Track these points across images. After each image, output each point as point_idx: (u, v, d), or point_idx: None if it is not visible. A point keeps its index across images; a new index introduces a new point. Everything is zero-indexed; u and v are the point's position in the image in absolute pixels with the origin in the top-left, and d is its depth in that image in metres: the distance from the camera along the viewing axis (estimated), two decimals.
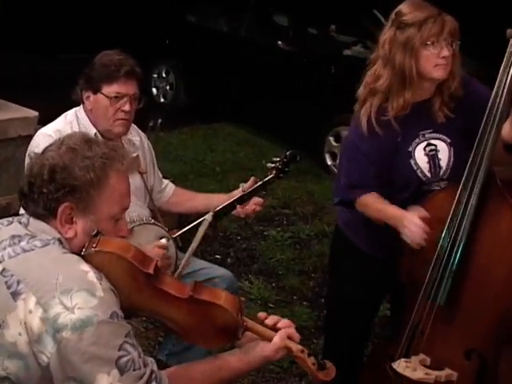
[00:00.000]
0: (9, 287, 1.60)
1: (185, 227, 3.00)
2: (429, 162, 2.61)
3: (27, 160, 2.69)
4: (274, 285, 4.47)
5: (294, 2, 7.53)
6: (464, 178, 2.46)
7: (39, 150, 1.78)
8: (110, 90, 2.76)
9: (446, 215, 2.47)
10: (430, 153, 2.61)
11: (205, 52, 7.85)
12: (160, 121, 8.10)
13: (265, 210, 4.79)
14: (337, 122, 6.41)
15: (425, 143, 2.61)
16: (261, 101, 7.26)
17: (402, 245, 2.57)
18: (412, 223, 2.45)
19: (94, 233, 1.69)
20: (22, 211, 1.81)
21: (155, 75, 8.34)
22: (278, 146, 6.64)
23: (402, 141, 2.59)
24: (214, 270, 3.13)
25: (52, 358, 1.56)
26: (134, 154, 2.89)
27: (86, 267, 1.62)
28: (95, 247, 1.66)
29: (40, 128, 2.95)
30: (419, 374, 2.53)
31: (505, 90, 2.41)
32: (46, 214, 1.70)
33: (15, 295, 1.59)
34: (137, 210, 2.89)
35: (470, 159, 2.45)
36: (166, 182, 3.24)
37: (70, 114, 2.90)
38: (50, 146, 1.76)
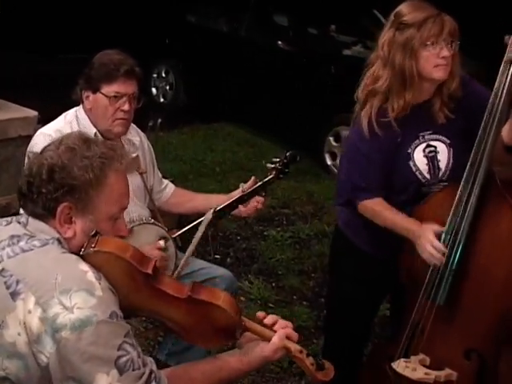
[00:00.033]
0: (8, 287, 1.60)
1: (185, 227, 3.00)
2: (428, 164, 2.61)
3: (26, 160, 2.69)
4: (273, 285, 4.47)
5: (293, 2, 7.53)
6: (464, 178, 2.45)
7: (38, 149, 1.78)
8: (110, 89, 2.76)
9: (446, 215, 2.47)
10: (429, 154, 2.61)
11: (205, 52, 7.85)
12: (160, 121, 8.10)
13: (264, 209, 4.79)
14: (337, 121, 6.41)
15: (424, 145, 2.61)
16: (261, 101, 7.26)
17: (401, 243, 2.58)
18: (429, 245, 2.44)
19: (93, 233, 1.69)
20: (22, 211, 1.81)
21: (155, 75, 8.34)
22: (278, 146, 6.65)
23: (402, 142, 2.59)
24: (213, 270, 3.13)
25: (51, 358, 1.56)
26: (134, 154, 2.89)
27: (85, 267, 1.62)
28: (94, 247, 1.66)
29: (40, 128, 2.95)
30: (419, 373, 2.53)
31: (504, 91, 2.41)
32: (45, 213, 1.70)
33: (14, 295, 1.58)
34: (137, 209, 2.89)
35: (470, 159, 2.45)
36: (165, 182, 3.24)
37: (69, 114, 2.90)
38: (49, 145, 1.76)
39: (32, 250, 1.65)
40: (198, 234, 2.88)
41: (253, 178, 3.05)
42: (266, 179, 3.06)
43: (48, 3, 9.65)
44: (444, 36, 2.46)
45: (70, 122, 2.86)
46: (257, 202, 3.03)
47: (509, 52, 2.39)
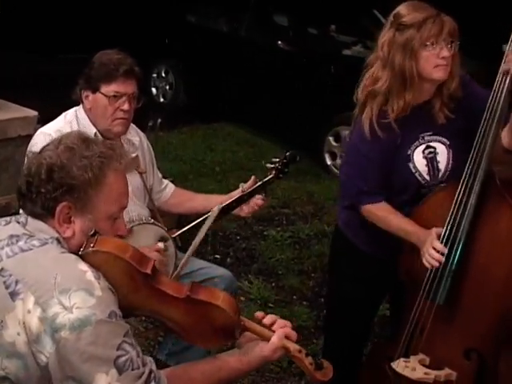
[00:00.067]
0: (7, 287, 1.59)
1: (184, 227, 3.01)
2: (427, 165, 2.61)
3: (26, 159, 2.69)
4: (273, 284, 4.47)
5: (293, 2, 7.53)
6: (463, 177, 2.46)
7: (38, 149, 1.78)
8: (109, 89, 2.76)
9: (446, 215, 2.48)
10: (428, 155, 2.61)
11: (204, 52, 7.85)
12: (159, 121, 8.10)
13: (264, 209, 4.80)
14: (336, 121, 6.41)
15: (424, 146, 2.61)
16: (261, 101, 7.26)
17: (401, 243, 2.58)
18: (429, 246, 2.47)
19: (92, 232, 1.69)
20: (21, 211, 1.81)
21: (155, 75, 8.34)
22: (278, 145, 6.65)
23: (402, 143, 2.59)
24: (213, 270, 3.13)
25: (51, 358, 1.56)
26: (134, 154, 2.89)
27: (84, 267, 1.62)
28: (93, 247, 1.66)
29: (40, 128, 2.95)
30: (418, 373, 2.53)
31: (504, 90, 2.41)
32: (44, 213, 1.70)
33: (14, 295, 1.58)
34: (136, 209, 2.89)
35: (470, 159, 2.45)
36: (165, 182, 3.24)
37: (69, 114, 2.90)
38: (48, 145, 1.76)
39: (31, 249, 1.65)
40: (203, 231, 2.88)
41: (253, 177, 3.05)
42: (266, 179, 3.06)
43: (48, 3, 9.64)
44: (444, 36, 2.46)
45: (70, 121, 2.86)
46: (258, 199, 3.02)
47: (504, 63, 2.40)
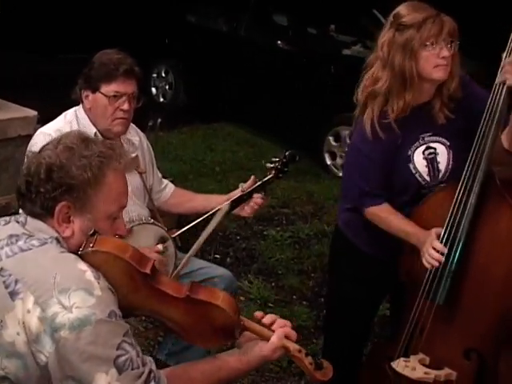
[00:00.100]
0: (7, 287, 1.60)
1: (184, 227, 3.01)
2: (428, 166, 2.61)
3: (26, 159, 2.69)
4: (273, 284, 4.47)
5: (293, 2, 7.53)
6: (463, 178, 2.46)
7: (37, 148, 1.78)
8: (109, 88, 2.76)
9: (446, 215, 2.48)
10: (428, 156, 2.61)
11: (204, 52, 7.85)
12: (159, 120, 8.10)
13: (264, 209, 4.80)
14: (336, 121, 6.42)
15: (424, 147, 2.61)
16: (260, 101, 7.26)
17: (402, 244, 2.58)
18: (429, 246, 2.47)
19: (91, 232, 1.69)
20: (21, 211, 1.82)
21: (155, 75, 8.34)
22: (278, 145, 6.65)
23: (402, 144, 2.59)
24: (213, 270, 3.13)
25: (50, 358, 1.56)
26: (133, 154, 2.89)
27: (83, 266, 1.62)
28: (92, 247, 1.66)
29: (39, 128, 2.95)
30: (418, 373, 2.53)
31: (501, 101, 2.42)
32: (44, 213, 1.70)
33: (13, 295, 1.59)
34: (136, 209, 2.90)
35: (469, 159, 2.45)
36: (165, 182, 3.24)
37: (69, 114, 2.90)
38: (47, 144, 1.76)
39: (31, 249, 1.65)
40: (208, 231, 2.89)
41: (252, 177, 3.05)
42: (266, 179, 3.06)
43: (48, 3, 9.64)
44: (443, 36, 2.46)
45: (70, 121, 2.86)
46: (257, 197, 3.02)
47: (500, 74, 2.41)
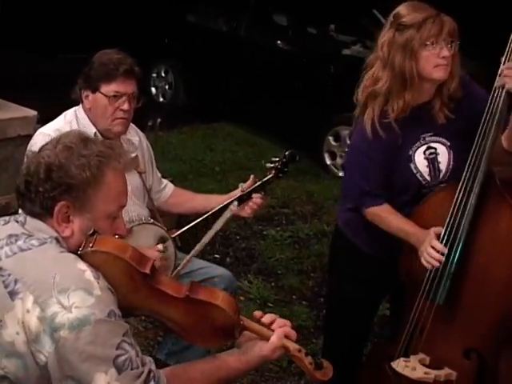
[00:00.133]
0: (6, 286, 1.59)
1: (184, 227, 3.01)
2: (428, 166, 2.62)
3: (25, 159, 2.69)
4: (273, 284, 4.47)
5: (293, 2, 7.53)
6: (463, 178, 2.46)
7: (37, 148, 1.78)
8: (109, 88, 2.76)
9: (446, 215, 2.48)
10: (429, 156, 2.61)
11: (204, 52, 7.85)
12: (159, 120, 8.10)
13: (264, 209, 4.80)
14: (336, 121, 6.42)
15: (425, 147, 2.61)
16: (260, 100, 7.26)
17: (401, 244, 2.58)
18: (428, 246, 2.46)
19: (91, 232, 1.69)
20: (20, 210, 1.82)
21: (154, 75, 8.34)
22: (278, 145, 6.64)
23: (403, 144, 2.59)
24: (213, 270, 3.13)
25: (50, 358, 1.56)
26: (133, 154, 2.89)
27: (83, 266, 1.62)
28: (92, 247, 1.66)
29: (39, 128, 2.95)
30: (418, 373, 2.53)
31: (500, 104, 2.42)
32: (43, 212, 1.70)
33: (13, 294, 1.58)
34: (136, 209, 2.90)
35: (469, 159, 2.45)
36: (165, 182, 3.24)
37: (69, 114, 2.90)
38: (47, 144, 1.76)
39: (30, 249, 1.64)
40: (213, 231, 2.90)
41: (252, 176, 3.05)
42: (265, 179, 3.06)
43: (48, 3, 9.64)
44: (444, 36, 2.45)
45: (70, 121, 2.86)
46: (256, 197, 3.02)
47: (499, 78, 2.42)
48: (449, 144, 2.63)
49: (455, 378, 2.53)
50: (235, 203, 2.96)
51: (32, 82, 8.08)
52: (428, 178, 2.62)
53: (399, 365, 2.55)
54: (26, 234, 1.68)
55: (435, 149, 2.62)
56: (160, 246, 2.80)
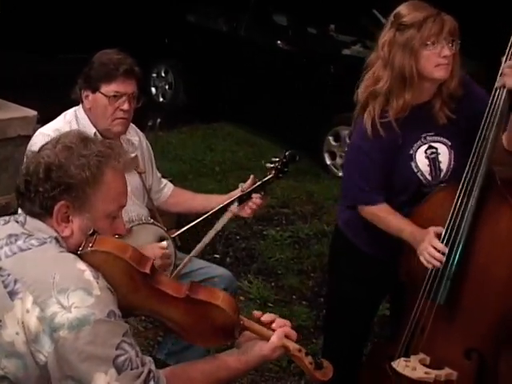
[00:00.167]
0: (6, 286, 1.59)
1: (183, 227, 3.01)
2: (429, 165, 2.61)
3: (25, 159, 2.69)
4: (273, 284, 4.46)
5: (293, 2, 7.53)
6: (464, 177, 2.46)
7: (37, 149, 1.78)
8: (109, 88, 2.76)
9: (446, 215, 2.47)
10: (430, 156, 2.61)
11: (204, 52, 7.85)
12: (159, 120, 8.10)
13: (264, 209, 4.80)
14: (336, 121, 6.42)
15: (426, 146, 2.61)
16: (260, 100, 7.26)
17: (401, 244, 2.58)
18: (429, 245, 2.46)
19: (91, 232, 1.69)
20: (20, 210, 1.81)
21: (154, 75, 8.34)
22: (278, 145, 6.65)
23: (403, 143, 2.59)
24: (213, 270, 3.13)
25: (49, 358, 1.56)
26: (133, 154, 2.88)
27: (82, 266, 1.62)
28: (92, 246, 1.66)
29: (39, 128, 2.95)
30: (419, 373, 2.53)
31: (501, 103, 2.42)
32: (43, 212, 1.69)
33: (12, 294, 1.58)
34: (136, 209, 2.90)
35: (470, 159, 2.45)
36: (164, 181, 3.24)
37: (69, 114, 2.90)
38: (46, 144, 1.76)
39: (30, 249, 1.64)
40: (213, 231, 2.90)
41: (251, 176, 3.05)
42: (265, 179, 3.06)
43: (48, 3, 9.64)
44: (444, 35, 2.45)
45: (70, 121, 2.86)
46: (256, 197, 3.01)
47: (500, 78, 2.42)
48: (450, 144, 2.62)
49: (455, 378, 2.53)
50: (235, 204, 2.96)
51: (32, 82, 8.08)
52: (429, 177, 2.62)
53: (400, 365, 2.55)
54: (26, 233, 1.68)
55: (436, 148, 2.62)
56: (164, 243, 2.80)
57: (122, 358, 1.57)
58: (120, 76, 2.76)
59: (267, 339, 1.76)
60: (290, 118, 6.82)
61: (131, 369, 1.58)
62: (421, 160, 2.61)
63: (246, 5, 7.65)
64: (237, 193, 3.01)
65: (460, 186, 2.46)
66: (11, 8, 7.78)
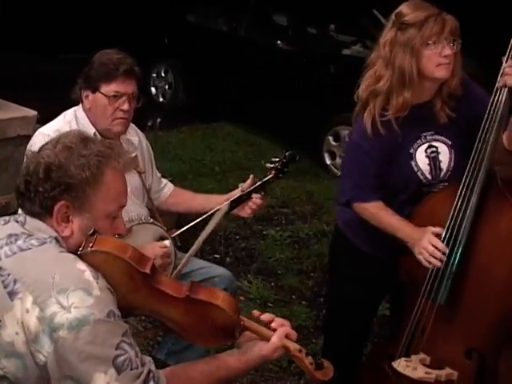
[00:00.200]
0: (5, 286, 1.59)
1: (183, 227, 3.00)
2: (429, 164, 2.61)
3: (25, 159, 2.69)
4: (272, 284, 4.46)
5: (293, 2, 7.53)
6: (464, 177, 2.46)
7: (36, 149, 1.78)
8: (109, 88, 2.76)
9: (447, 215, 2.47)
10: (431, 155, 2.61)
11: (204, 51, 7.85)
12: (159, 120, 8.10)
13: (264, 209, 4.79)
14: (336, 121, 6.41)
15: (426, 145, 2.61)
16: (260, 100, 7.26)
17: (402, 244, 2.58)
18: (430, 245, 2.46)
19: (91, 232, 1.69)
20: (20, 210, 1.81)
21: (154, 74, 8.34)
22: (278, 145, 6.65)
23: (403, 142, 2.59)
24: (212, 270, 3.13)
25: (49, 358, 1.56)
26: (133, 154, 2.88)
27: (82, 266, 1.62)
28: (92, 247, 1.65)
29: (39, 128, 2.95)
30: (419, 373, 2.53)
31: (502, 103, 2.42)
32: (43, 212, 1.69)
33: (12, 294, 1.58)
34: (136, 209, 2.89)
35: (471, 158, 2.45)
36: (164, 181, 3.24)
37: (69, 114, 2.90)
38: (46, 144, 1.76)
39: (30, 249, 1.64)
40: (207, 231, 2.89)
41: (251, 176, 3.05)
42: (266, 179, 3.06)
43: (48, 3, 9.64)
44: (445, 34, 2.45)
45: (69, 121, 2.85)
46: (256, 198, 3.01)
47: (501, 78, 2.42)
48: (450, 143, 2.62)
49: (456, 378, 2.53)
50: (227, 203, 2.95)
51: (32, 82, 8.08)
52: (429, 176, 2.62)
53: (400, 364, 2.55)
54: (26, 233, 1.68)
55: (437, 147, 2.62)
56: (167, 242, 2.79)
57: (122, 358, 1.57)
58: (120, 76, 2.76)
59: (267, 339, 1.76)
60: (289, 118, 6.82)
61: (131, 369, 1.58)
62: (421, 159, 2.61)
63: (246, 5, 7.65)
64: (237, 193, 3.01)
65: (461, 186, 2.46)
66: (11, 8, 7.78)
